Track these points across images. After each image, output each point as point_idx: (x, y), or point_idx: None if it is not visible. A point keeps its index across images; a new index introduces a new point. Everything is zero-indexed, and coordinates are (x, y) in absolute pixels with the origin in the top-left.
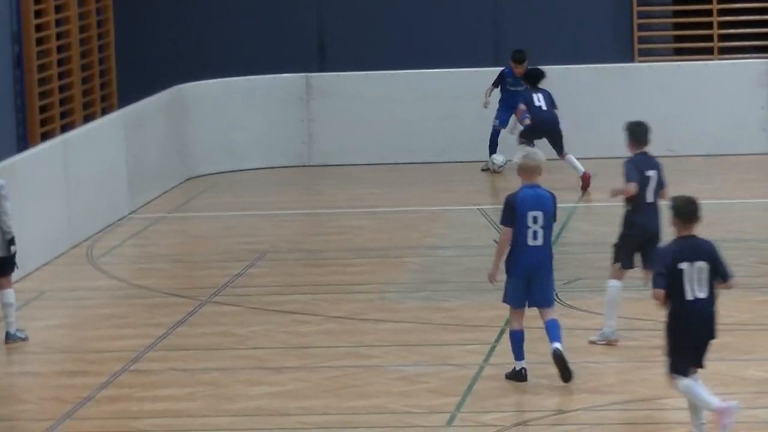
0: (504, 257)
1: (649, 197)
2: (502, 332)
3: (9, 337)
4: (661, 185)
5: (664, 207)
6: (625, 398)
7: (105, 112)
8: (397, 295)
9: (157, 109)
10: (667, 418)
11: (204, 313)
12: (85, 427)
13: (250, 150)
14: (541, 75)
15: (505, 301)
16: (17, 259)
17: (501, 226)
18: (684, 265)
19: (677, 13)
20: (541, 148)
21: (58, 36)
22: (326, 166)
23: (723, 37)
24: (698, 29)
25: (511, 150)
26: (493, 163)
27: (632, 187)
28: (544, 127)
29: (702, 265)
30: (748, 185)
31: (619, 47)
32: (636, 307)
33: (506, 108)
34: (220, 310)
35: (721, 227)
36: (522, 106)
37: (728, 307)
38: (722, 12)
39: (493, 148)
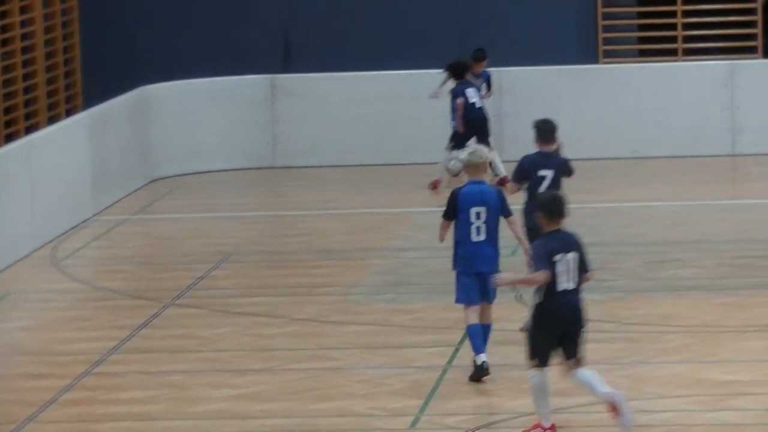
0: (444, 236)
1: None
2: (466, 334)
3: None
4: (556, 185)
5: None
6: (590, 400)
7: (70, 113)
8: (361, 297)
9: (122, 111)
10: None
11: (167, 315)
12: (48, 430)
13: (214, 151)
14: (465, 66)
15: (457, 301)
16: None
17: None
18: (557, 257)
19: (642, 15)
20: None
21: (23, 37)
22: (291, 168)
23: (687, 39)
24: (663, 30)
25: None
26: (449, 169)
27: (512, 188)
28: (475, 125)
29: (573, 256)
30: (711, 186)
31: (584, 48)
32: (600, 310)
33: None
34: (184, 312)
35: (685, 229)
36: (461, 100)
37: (691, 309)
38: (687, 13)
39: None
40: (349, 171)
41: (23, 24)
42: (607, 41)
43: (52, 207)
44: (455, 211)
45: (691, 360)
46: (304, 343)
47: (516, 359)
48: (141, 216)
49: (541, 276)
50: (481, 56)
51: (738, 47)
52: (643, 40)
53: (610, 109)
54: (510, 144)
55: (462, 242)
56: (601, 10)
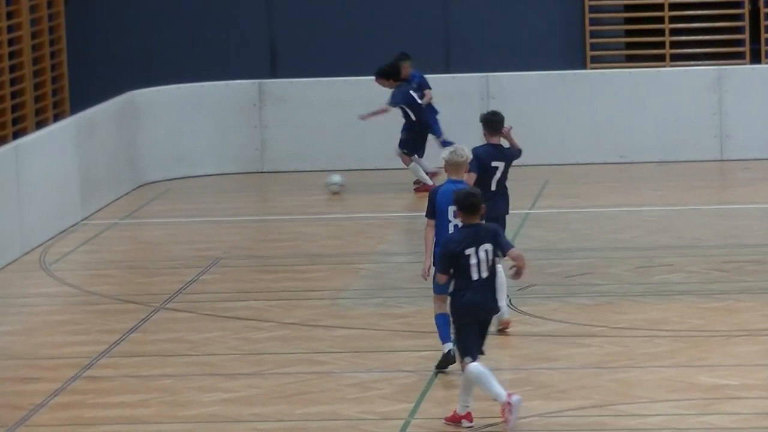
0: (431, 249)
1: (494, 186)
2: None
3: None
4: (505, 176)
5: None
6: (579, 404)
7: (57, 118)
8: (350, 302)
9: (109, 116)
10: (620, 425)
11: (157, 319)
12: None
13: (202, 156)
14: (398, 67)
15: (434, 291)
16: None
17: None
18: (470, 251)
19: (629, 20)
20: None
21: (10, 42)
22: (279, 173)
23: (675, 44)
24: (650, 36)
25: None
26: (333, 182)
27: (469, 178)
28: (423, 129)
29: (487, 247)
30: (699, 192)
31: (571, 54)
32: (589, 314)
33: (429, 111)
34: (173, 316)
35: (673, 234)
36: (387, 107)
37: (680, 314)
38: (674, 19)
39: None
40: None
41: (10, 29)
42: (594, 47)
43: (40, 212)
44: (433, 208)
45: (681, 364)
46: (294, 347)
47: (507, 363)
48: (129, 220)
49: (443, 279)
50: (405, 57)
51: (725, 53)
52: (630, 45)
53: (598, 115)
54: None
55: (439, 240)
56: (588, 15)
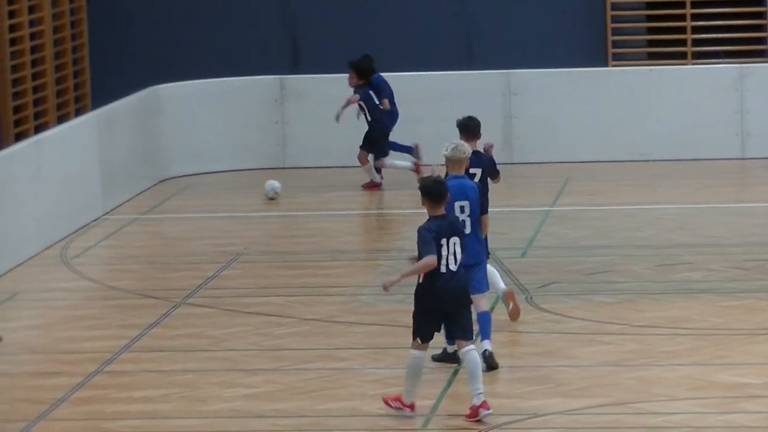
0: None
1: None
2: (476, 335)
3: None
4: (485, 183)
5: None
6: (599, 402)
7: (79, 113)
8: (370, 298)
9: (131, 111)
10: (640, 423)
11: (178, 314)
12: (58, 428)
13: (223, 152)
14: (369, 71)
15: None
16: None
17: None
18: (443, 242)
19: (651, 18)
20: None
21: (32, 36)
22: (300, 168)
23: (697, 42)
24: (672, 34)
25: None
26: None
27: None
28: (384, 131)
29: (456, 240)
30: (719, 190)
31: (593, 52)
32: (609, 312)
33: (390, 114)
34: (194, 311)
35: (693, 232)
36: (356, 97)
37: (701, 312)
38: (696, 17)
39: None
40: (357, 172)
41: (32, 23)
42: (616, 44)
43: (61, 206)
44: None
45: (701, 362)
46: (315, 343)
47: (528, 361)
48: (150, 216)
49: (431, 260)
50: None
51: (747, 51)
52: (652, 43)
53: (619, 112)
54: (519, 146)
55: None
56: (610, 13)
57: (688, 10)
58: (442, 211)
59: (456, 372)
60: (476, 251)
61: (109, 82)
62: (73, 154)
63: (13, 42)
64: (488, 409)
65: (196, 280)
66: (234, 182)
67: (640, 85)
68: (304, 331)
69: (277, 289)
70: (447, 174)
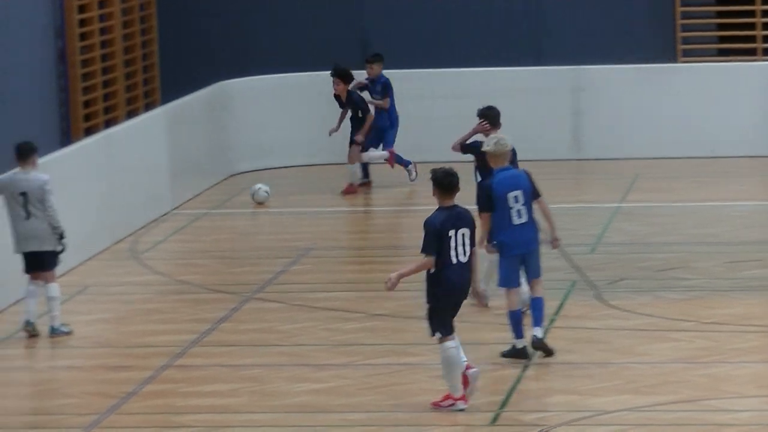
0: (484, 242)
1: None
2: (545, 331)
3: (53, 331)
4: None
5: None
6: (669, 399)
7: (148, 107)
8: None
9: (200, 105)
10: (710, 419)
11: (247, 309)
12: (129, 422)
13: (292, 147)
14: (349, 74)
15: (500, 285)
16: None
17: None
18: (451, 233)
19: (720, 14)
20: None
21: (102, 31)
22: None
23: (767, 38)
24: (742, 30)
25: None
26: (260, 193)
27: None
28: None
29: (465, 231)
30: None
31: (662, 48)
32: (679, 309)
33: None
34: (264, 306)
35: (762, 229)
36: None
37: None
38: (766, 13)
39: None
40: (421, 168)
41: (102, 18)
42: (685, 40)
43: (131, 201)
44: (492, 201)
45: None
46: (384, 339)
47: (598, 357)
48: (219, 210)
49: (428, 261)
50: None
51: None
52: (722, 39)
53: (688, 109)
54: (587, 142)
55: (503, 228)
56: (679, 9)
57: (759, 6)
58: (451, 201)
59: (525, 368)
60: (533, 238)
61: (178, 77)
62: (142, 149)
63: (83, 37)
64: (460, 402)
65: (264, 275)
66: (302, 177)
67: (709, 81)
68: (372, 326)
69: (346, 284)
70: (490, 169)
